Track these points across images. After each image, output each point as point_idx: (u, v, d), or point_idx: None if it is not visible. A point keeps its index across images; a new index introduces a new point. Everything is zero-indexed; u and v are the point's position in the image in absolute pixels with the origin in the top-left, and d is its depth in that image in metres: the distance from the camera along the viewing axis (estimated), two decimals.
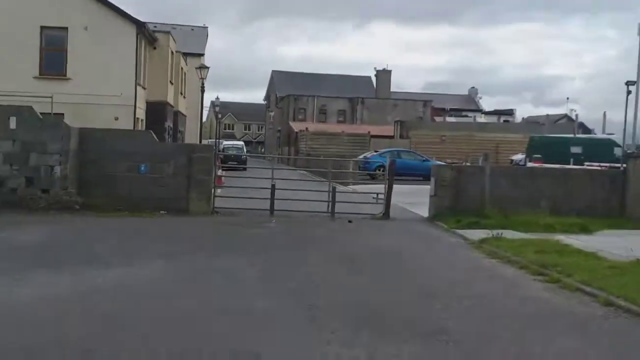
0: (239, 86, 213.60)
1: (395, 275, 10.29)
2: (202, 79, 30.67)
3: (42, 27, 28.08)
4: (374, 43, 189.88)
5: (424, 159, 37.03)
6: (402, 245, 13.64)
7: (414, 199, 20.79)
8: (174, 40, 37.95)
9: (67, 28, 28.16)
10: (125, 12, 29.19)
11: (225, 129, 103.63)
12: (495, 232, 14.08)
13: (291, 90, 75.09)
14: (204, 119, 47.48)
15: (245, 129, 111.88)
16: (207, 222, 15.95)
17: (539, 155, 30.57)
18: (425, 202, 19.60)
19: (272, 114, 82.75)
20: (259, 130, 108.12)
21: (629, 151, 20.19)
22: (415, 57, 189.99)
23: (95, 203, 16.59)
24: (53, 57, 28.42)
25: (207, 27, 63.20)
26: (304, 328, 6.98)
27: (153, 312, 7.40)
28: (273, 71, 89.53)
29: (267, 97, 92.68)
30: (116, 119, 27.64)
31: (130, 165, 17.30)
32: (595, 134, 53.79)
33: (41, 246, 11.79)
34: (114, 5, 28.90)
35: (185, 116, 45.26)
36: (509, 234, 14.10)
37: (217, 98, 59.08)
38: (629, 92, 18.98)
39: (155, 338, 6.42)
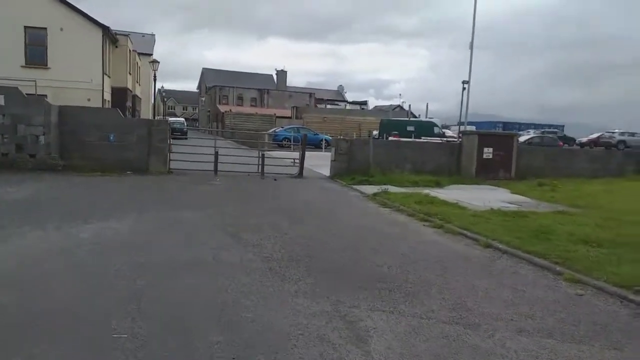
0: (177, 78, 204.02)
1: (324, 224, 8.85)
2: (154, 70, 27.64)
3: (26, 27, 24.30)
4: (271, 51, 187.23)
5: (315, 133, 35.67)
6: (320, 198, 12.25)
7: (314, 162, 19.38)
8: (131, 41, 34.25)
9: (46, 28, 24.52)
10: (93, 18, 25.83)
11: (169, 109, 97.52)
12: (383, 187, 13.02)
13: (217, 82, 71.28)
14: (153, 101, 43.60)
15: (183, 110, 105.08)
16: (165, 180, 13.81)
17: (396, 132, 30.06)
18: (322, 164, 18.42)
19: (203, 99, 78.17)
20: (193, 110, 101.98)
21: (462, 129, 19.77)
22: (299, 63, 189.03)
23: (74, 165, 14.11)
24: (36, 51, 24.68)
25: (154, 35, 57.78)
26: (268, 279, 5.46)
27: (132, 267, 5.59)
28: (203, 68, 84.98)
29: (199, 87, 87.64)
30: (88, 100, 24.73)
31: (102, 135, 14.78)
32: (419, 118, 54.76)
33: (30, 201, 9.44)
34: (84, 13, 25.51)
35: (140, 99, 41.83)
36: (391, 188, 13.07)
37: (163, 87, 55.74)
38: (464, 89, 18.54)
39: (137, 293, 4.71)
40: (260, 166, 15.83)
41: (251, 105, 65.76)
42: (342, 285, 5.29)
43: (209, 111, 70.45)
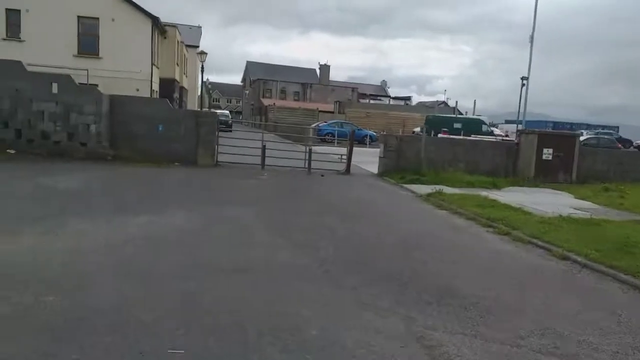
0: (221, 71, 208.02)
1: (378, 226, 8.29)
2: (202, 62, 27.61)
3: (79, 17, 24.70)
4: (313, 45, 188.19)
5: (358, 128, 34.96)
6: (369, 196, 11.69)
7: (359, 158, 18.69)
8: (179, 32, 34.55)
9: (98, 18, 24.84)
10: (143, 9, 25.97)
11: (213, 101, 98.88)
12: (437, 187, 12.34)
13: (261, 75, 71.62)
14: (200, 93, 44.11)
15: (227, 102, 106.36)
16: (213, 173, 13.59)
17: (446, 129, 29.08)
18: (368, 161, 17.92)
19: (247, 92, 78.69)
20: (237, 103, 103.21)
21: (520, 128, 18.72)
22: (340, 57, 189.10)
23: (123, 155, 14.11)
24: (88, 41, 25.03)
25: (201, 27, 58.38)
26: (326, 287, 4.99)
27: (182, 268, 5.24)
28: (247, 61, 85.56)
29: (244, 80, 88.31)
30: (137, 90, 24.93)
31: (150, 125, 14.73)
32: (465, 115, 53.12)
33: (79, 192, 9.37)
34: (135, 3, 25.68)
35: (187, 90, 42.26)
36: (445, 189, 12.37)
37: (208, 79, 56.54)
38: (522, 85, 17.51)
39: (188, 298, 4.32)
40: (306, 161, 15.40)
41: (294, 99, 65.61)
42: (409, 297, 4.75)
43: (252, 104, 70.88)
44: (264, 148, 14.88)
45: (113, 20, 24.85)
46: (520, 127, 32.62)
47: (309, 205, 9.74)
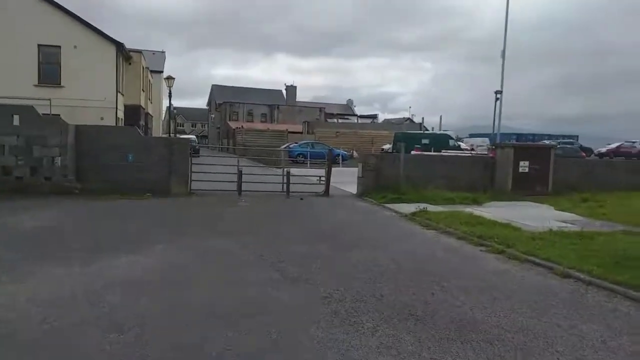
0: (184, 95, 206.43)
1: (372, 252, 7.85)
2: (170, 87, 27.05)
3: (40, 45, 23.69)
4: (278, 67, 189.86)
5: (330, 148, 34.72)
6: (354, 219, 11.29)
7: (336, 178, 18.22)
8: (144, 58, 33.77)
9: (60, 46, 23.89)
10: (107, 35, 25.12)
11: (178, 126, 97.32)
12: (420, 206, 12.11)
13: (226, 99, 71.01)
14: (169, 118, 43.20)
15: (192, 127, 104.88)
16: (188, 203, 12.99)
17: (418, 145, 29.18)
18: (345, 181, 17.62)
19: (213, 116, 77.90)
20: (202, 127, 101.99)
21: (497, 142, 18.87)
22: (304, 78, 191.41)
23: (91, 188, 13.37)
24: (49, 69, 23.97)
25: (164, 52, 57.60)
26: (338, 329, 4.57)
27: (173, 316, 4.73)
28: (213, 85, 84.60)
29: (209, 103, 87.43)
30: (102, 118, 24.01)
31: (120, 155, 14.05)
32: (432, 131, 53.95)
33: (47, 231, 8.64)
34: (98, 29, 24.83)
35: (152, 116, 41.29)
36: (428, 207, 12.13)
37: (172, 104, 55.63)
38: (497, 99, 17.68)
39: (185, 355, 3.83)
40: (285, 185, 14.98)
41: (261, 121, 65.27)
42: (429, 335, 4.39)
43: (218, 128, 70.07)
44: (240, 174, 14.38)
45: (75, 47, 23.90)
46: (487, 140, 32.97)
47: (295, 233, 9.30)
